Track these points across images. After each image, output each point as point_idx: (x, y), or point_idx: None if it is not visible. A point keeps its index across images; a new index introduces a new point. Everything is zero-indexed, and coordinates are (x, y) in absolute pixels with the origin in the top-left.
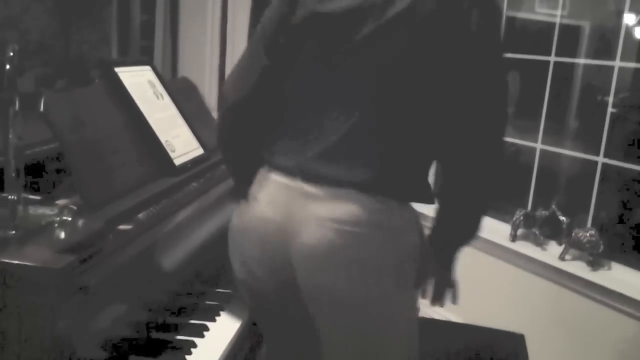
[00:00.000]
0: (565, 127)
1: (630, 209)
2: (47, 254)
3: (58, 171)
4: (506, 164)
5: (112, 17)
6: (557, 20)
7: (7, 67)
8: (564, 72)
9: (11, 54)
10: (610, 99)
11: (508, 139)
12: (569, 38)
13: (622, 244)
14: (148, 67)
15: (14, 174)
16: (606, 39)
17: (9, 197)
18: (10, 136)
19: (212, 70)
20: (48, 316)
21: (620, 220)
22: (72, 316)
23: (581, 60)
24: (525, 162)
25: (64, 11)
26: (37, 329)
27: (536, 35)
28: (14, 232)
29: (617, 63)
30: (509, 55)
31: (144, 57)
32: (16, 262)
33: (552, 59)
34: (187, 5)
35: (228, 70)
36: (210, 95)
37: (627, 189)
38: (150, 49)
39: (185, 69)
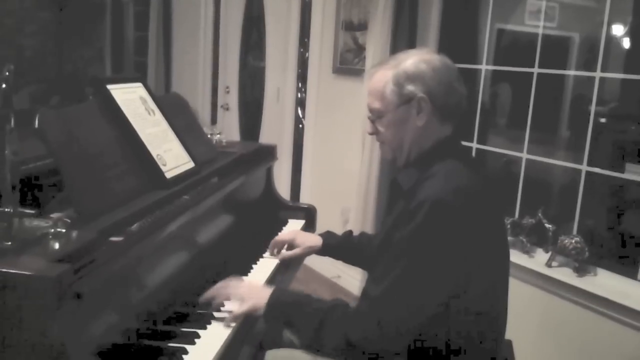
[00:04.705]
0: (557, 137)
1: (616, 216)
2: (42, 263)
3: (52, 186)
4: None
5: (105, 34)
6: (540, 31)
7: (3, 85)
8: (555, 83)
9: (7, 73)
10: (593, 109)
11: (497, 150)
12: (560, 49)
13: (608, 250)
14: (139, 84)
15: (10, 188)
16: (595, 50)
17: (5, 209)
18: (6, 152)
19: (205, 85)
20: (44, 323)
21: (606, 227)
22: (66, 323)
23: (564, 72)
24: (516, 172)
25: (58, 29)
26: (33, 336)
27: (528, 47)
28: (10, 243)
29: (598, 74)
30: (498, 67)
31: (135, 74)
32: (13, 271)
33: (536, 70)
34: (180, 22)
35: (220, 85)
36: (203, 109)
37: (613, 197)
38: (144, 65)
39: (178, 84)
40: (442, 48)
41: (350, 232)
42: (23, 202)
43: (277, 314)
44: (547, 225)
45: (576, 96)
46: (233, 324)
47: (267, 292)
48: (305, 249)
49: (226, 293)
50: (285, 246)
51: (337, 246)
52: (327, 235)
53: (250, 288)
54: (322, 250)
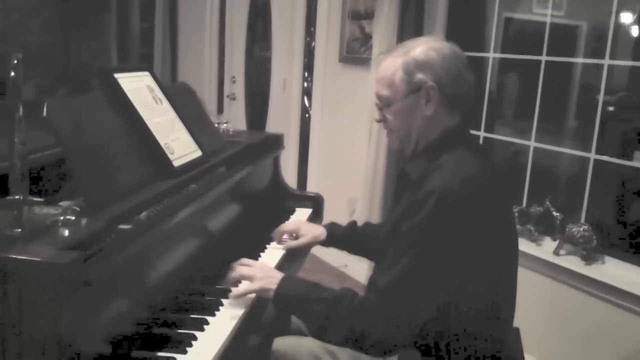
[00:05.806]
0: (565, 125)
1: (624, 205)
2: (52, 250)
3: (60, 175)
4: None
5: (111, 25)
6: (548, 20)
7: (12, 74)
8: (563, 72)
9: (15, 61)
10: (601, 97)
11: (504, 138)
12: (568, 38)
13: (616, 238)
14: (147, 73)
15: (19, 177)
16: (604, 39)
17: (15, 197)
18: (15, 140)
19: (211, 75)
20: (53, 310)
21: (614, 215)
22: (76, 310)
23: (572, 59)
24: (523, 161)
25: (63, 21)
26: (43, 323)
27: (536, 36)
28: (20, 230)
29: (607, 61)
30: (506, 55)
31: (142, 64)
32: (23, 257)
33: (544, 58)
34: (186, 13)
35: (227, 75)
36: (209, 99)
37: (621, 185)
38: (150, 56)
39: (185, 75)
40: (450, 36)
41: (355, 222)
42: (31, 191)
43: (285, 303)
44: (555, 214)
45: (584, 84)
46: (237, 298)
47: (278, 276)
48: (310, 239)
49: (239, 271)
50: (288, 236)
51: (341, 237)
52: (332, 227)
53: (262, 269)
54: (327, 241)
